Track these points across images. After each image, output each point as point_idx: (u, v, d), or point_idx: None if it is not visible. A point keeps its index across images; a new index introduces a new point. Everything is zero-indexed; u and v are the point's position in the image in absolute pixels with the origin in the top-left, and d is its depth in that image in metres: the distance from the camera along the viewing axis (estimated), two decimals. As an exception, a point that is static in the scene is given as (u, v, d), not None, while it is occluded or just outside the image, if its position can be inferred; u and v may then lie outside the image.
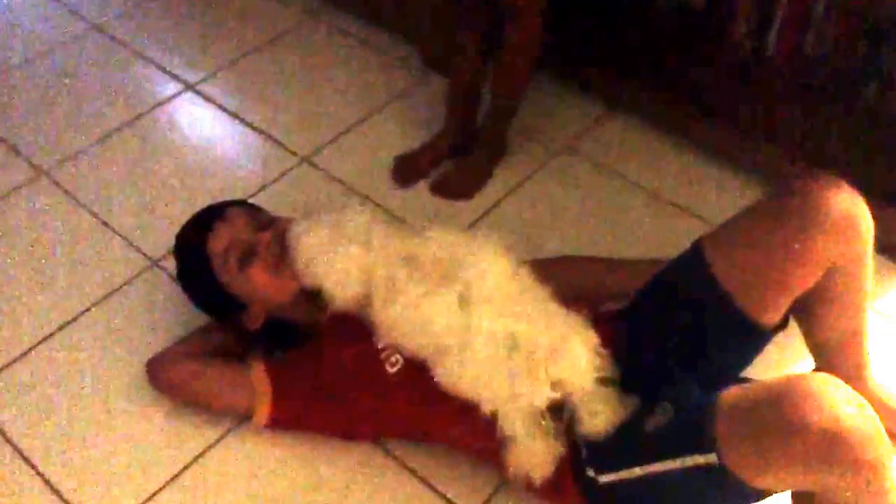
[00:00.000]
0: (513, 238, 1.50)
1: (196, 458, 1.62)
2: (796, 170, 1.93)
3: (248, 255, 1.55)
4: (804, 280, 1.33)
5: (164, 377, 1.66)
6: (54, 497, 1.57)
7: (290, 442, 1.62)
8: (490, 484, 1.56)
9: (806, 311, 1.40)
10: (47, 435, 1.66)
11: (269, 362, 1.60)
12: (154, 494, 1.57)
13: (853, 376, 1.37)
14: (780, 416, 1.10)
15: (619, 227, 2.02)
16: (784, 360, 1.62)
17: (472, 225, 2.03)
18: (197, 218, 1.67)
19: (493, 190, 2.11)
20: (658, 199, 2.08)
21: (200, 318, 1.74)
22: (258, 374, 1.58)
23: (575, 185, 2.13)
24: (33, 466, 1.62)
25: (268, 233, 1.57)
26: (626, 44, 2.27)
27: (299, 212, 2.02)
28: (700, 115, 2.11)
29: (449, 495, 1.56)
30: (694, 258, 1.43)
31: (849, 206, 1.29)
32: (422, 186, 2.13)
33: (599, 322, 1.55)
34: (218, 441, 1.64)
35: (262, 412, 1.58)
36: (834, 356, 1.42)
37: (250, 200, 2.06)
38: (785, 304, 1.37)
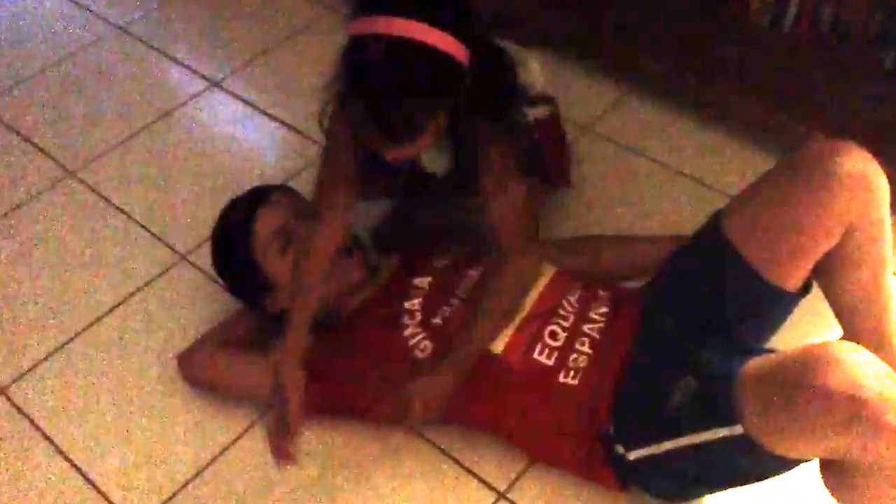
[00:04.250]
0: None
1: (225, 449, 1.65)
2: (814, 135, 1.91)
3: (291, 241, 1.60)
4: (822, 241, 1.32)
5: (196, 372, 1.69)
6: (90, 487, 1.61)
7: (314, 423, 1.62)
8: (520, 462, 1.57)
9: (827, 275, 1.38)
10: (82, 429, 1.70)
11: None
12: (185, 485, 1.61)
13: (876, 342, 1.36)
14: (801, 382, 1.10)
15: (642, 205, 2.01)
16: (812, 330, 1.61)
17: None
18: (245, 197, 1.72)
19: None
20: (680, 176, 2.07)
21: (229, 312, 1.77)
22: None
23: (596, 164, 2.12)
24: (68, 458, 1.65)
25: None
26: (645, 20, 2.26)
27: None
28: (721, 89, 2.10)
29: (480, 474, 1.57)
30: (712, 229, 1.43)
31: (863, 166, 1.28)
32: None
33: (623, 303, 1.56)
34: (247, 430, 1.67)
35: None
36: (857, 320, 1.41)
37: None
38: (805, 267, 1.36)
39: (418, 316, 1.57)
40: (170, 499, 1.58)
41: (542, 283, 1.58)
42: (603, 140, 2.17)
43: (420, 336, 1.54)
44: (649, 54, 2.20)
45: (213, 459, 1.63)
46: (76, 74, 2.51)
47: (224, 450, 1.64)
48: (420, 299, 1.59)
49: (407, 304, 1.58)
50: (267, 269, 1.62)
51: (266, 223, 1.62)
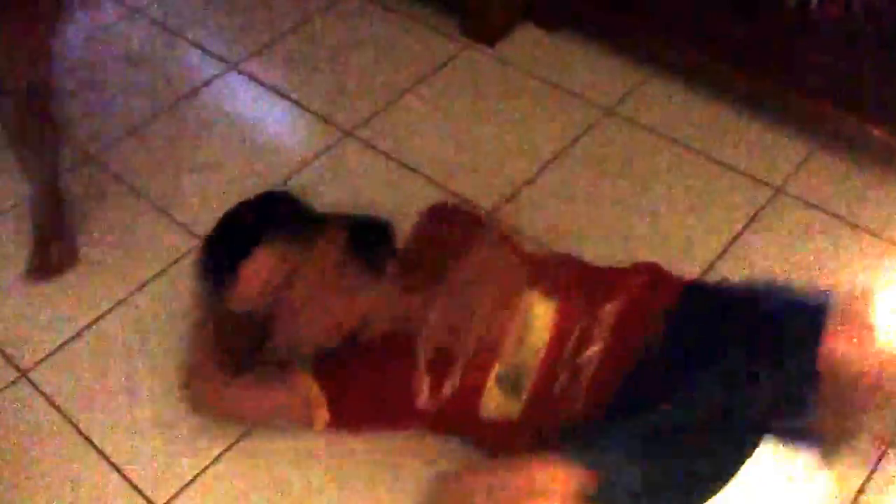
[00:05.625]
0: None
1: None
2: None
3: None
4: None
5: (212, 412, 1.64)
6: (114, 473, 1.61)
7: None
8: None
9: None
10: (104, 413, 1.69)
11: (318, 370, 1.53)
12: (205, 468, 1.61)
13: None
14: None
15: (663, 187, 2.00)
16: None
17: (510, 199, 2.02)
18: (238, 234, 1.58)
19: (536, 156, 2.09)
20: (701, 157, 2.05)
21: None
22: (307, 383, 1.52)
23: (619, 146, 2.10)
24: (91, 443, 1.65)
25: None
26: (668, 2, 2.23)
27: (344, 188, 2.05)
28: (746, 72, 2.07)
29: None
30: None
31: None
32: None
33: (663, 284, 1.53)
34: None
35: (320, 421, 1.53)
36: None
37: (295, 177, 2.08)
38: None
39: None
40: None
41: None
42: (625, 122, 2.16)
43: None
44: (673, 36, 2.17)
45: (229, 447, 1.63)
46: (92, 58, 2.50)
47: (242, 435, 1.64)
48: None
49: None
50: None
51: (249, 284, 1.49)
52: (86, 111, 2.33)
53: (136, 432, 1.66)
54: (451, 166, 2.09)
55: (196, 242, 1.96)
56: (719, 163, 2.03)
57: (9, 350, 1.80)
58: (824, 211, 1.93)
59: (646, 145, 2.10)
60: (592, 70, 2.28)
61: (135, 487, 1.58)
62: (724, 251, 1.86)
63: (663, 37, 2.20)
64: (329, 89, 2.35)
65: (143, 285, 1.90)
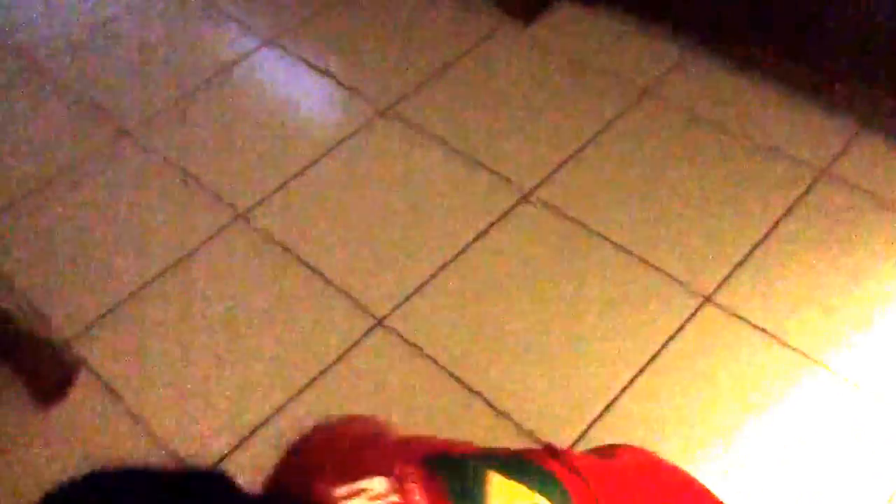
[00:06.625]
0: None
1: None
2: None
3: None
4: None
5: None
6: (142, 429, 1.63)
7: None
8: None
9: None
10: (151, 379, 1.72)
11: None
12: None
13: None
14: None
15: (701, 168, 1.98)
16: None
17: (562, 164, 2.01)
18: None
19: (573, 138, 2.08)
20: (743, 139, 2.02)
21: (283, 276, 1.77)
22: None
23: (657, 128, 2.08)
24: (123, 401, 1.67)
25: None
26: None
27: (379, 167, 2.05)
28: (786, 54, 2.05)
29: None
30: None
31: None
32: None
33: None
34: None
35: None
36: None
37: (330, 153, 2.09)
38: None
39: None
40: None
41: None
42: (665, 104, 2.13)
43: None
44: (716, 15, 2.14)
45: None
46: (130, 32, 2.51)
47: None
48: None
49: None
50: None
51: None
52: (123, 87, 2.35)
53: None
54: (489, 141, 2.09)
55: (234, 215, 1.97)
56: (760, 146, 2.01)
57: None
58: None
59: (679, 127, 2.09)
60: (628, 49, 2.26)
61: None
62: (765, 237, 1.84)
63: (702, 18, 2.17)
64: (367, 65, 2.34)
65: (183, 258, 1.92)
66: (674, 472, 1.11)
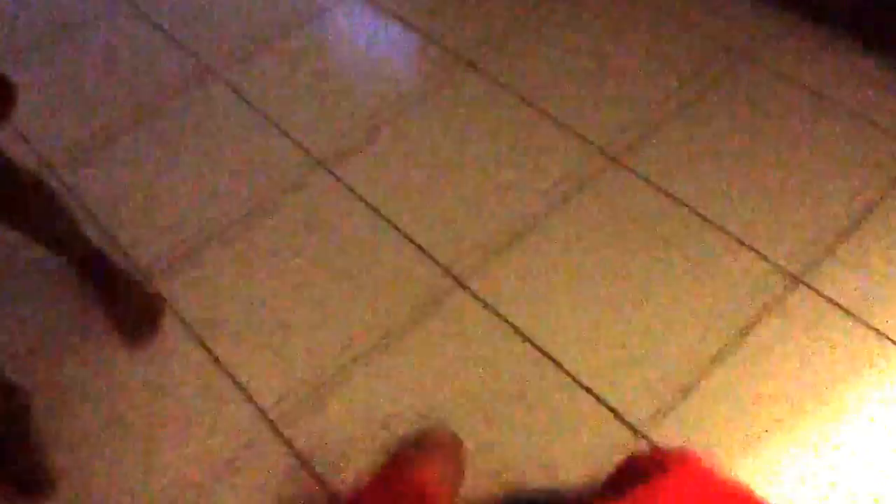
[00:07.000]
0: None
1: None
2: None
3: None
4: None
5: None
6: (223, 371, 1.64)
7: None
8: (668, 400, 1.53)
9: None
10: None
11: None
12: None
13: None
14: None
15: (794, 135, 1.92)
16: None
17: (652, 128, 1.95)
18: None
19: (662, 108, 2.02)
20: (840, 107, 1.95)
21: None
22: None
23: (754, 95, 2.01)
24: (230, 374, 1.69)
25: None
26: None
27: (456, 118, 2.01)
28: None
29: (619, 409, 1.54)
30: None
31: None
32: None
33: None
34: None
35: None
36: None
37: (412, 106, 2.06)
38: None
39: None
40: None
41: None
42: (761, 69, 2.06)
43: None
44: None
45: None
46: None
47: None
48: None
49: None
50: None
51: None
52: (212, 30, 2.35)
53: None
54: (568, 100, 2.05)
55: (315, 164, 1.96)
56: (860, 115, 1.93)
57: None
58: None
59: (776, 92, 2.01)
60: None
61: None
62: (859, 221, 1.78)
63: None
64: (453, 18, 2.30)
65: (257, 209, 1.92)
66: (732, 491, 1.01)
